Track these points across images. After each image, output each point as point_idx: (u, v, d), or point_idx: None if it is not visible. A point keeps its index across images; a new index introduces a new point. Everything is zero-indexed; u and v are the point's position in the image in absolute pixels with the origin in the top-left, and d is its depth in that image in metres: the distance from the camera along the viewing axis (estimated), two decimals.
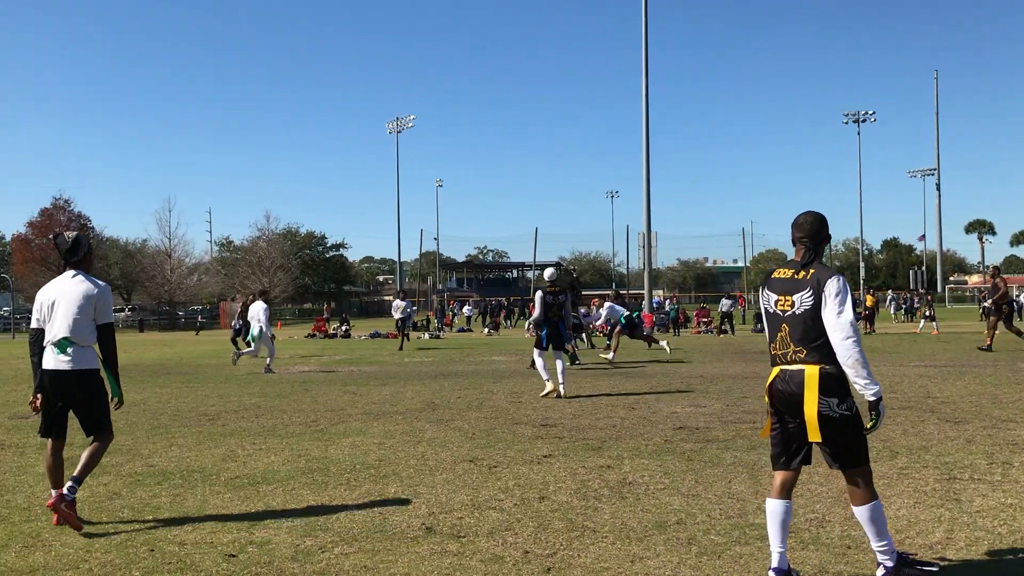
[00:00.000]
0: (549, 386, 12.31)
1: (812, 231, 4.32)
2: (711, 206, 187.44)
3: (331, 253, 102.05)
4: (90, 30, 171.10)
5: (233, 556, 4.77)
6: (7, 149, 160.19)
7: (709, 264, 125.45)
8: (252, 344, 18.80)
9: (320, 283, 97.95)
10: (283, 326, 55.74)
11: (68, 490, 5.40)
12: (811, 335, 4.11)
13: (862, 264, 75.96)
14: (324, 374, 17.20)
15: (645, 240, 45.93)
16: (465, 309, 55.22)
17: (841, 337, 4.01)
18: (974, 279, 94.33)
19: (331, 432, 9.19)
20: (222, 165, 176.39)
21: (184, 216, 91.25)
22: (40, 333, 5.64)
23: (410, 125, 73.64)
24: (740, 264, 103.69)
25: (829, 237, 4.40)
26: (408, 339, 26.33)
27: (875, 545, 4.15)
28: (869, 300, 35.63)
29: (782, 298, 4.25)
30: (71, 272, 5.72)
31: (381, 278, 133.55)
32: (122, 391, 5.73)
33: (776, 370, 4.27)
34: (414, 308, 51.51)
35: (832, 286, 4.08)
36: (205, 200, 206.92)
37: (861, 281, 70.83)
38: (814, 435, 4.12)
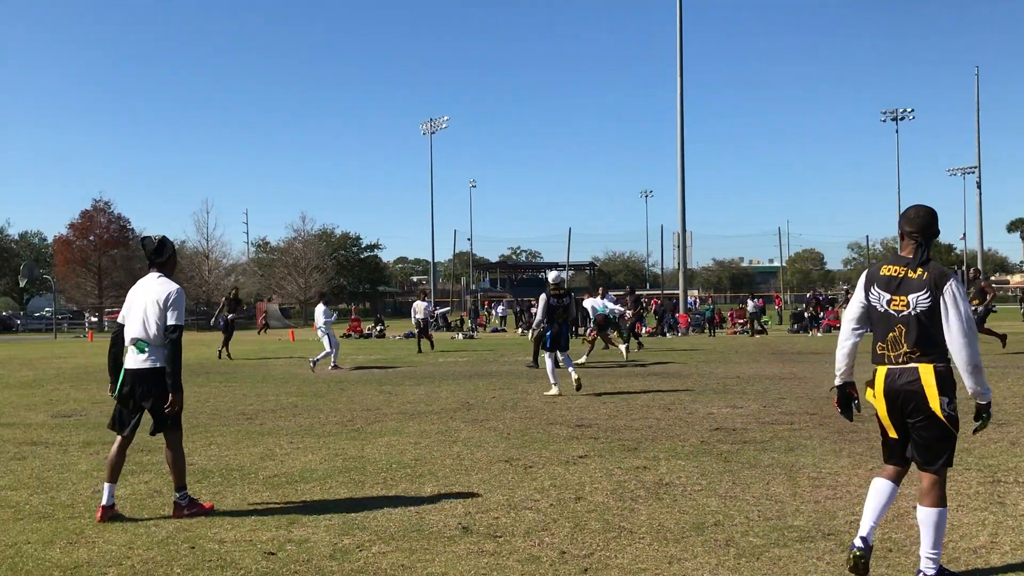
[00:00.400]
0: (555, 389, 12.45)
1: (923, 226, 4.21)
2: (746, 205, 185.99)
3: (366, 254, 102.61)
4: (127, 36, 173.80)
5: (272, 554, 4.81)
6: (49, 153, 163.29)
7: (745, 264, 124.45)
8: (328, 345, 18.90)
9: (355, 284, 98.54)
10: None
11: (180, 497, 5.72)
12: (927, 335, 4.05)
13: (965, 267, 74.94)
14: (359, 374, 17.30)
15: (680, 240, 45.71)
16: (499, 309, 55.29)
17: (964, 342, 3.99)
18: (1016, 279, 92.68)
19: (367, 431, 9.25)
20: (259, 167, 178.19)
21: (221, 218, 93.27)
22: (121, 330, 5.88)
23: (444, 126, 73.80)
24: (776, 264, 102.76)
25: (939, 233, 4.29)
26: (428, 339, 25.32)
27: (927, 551, 4.09)
28: None
29: (896, 297, 4.15)
30: (155, 273, 5.90)
31: (415, 278, 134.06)
32: (181, 393, 5.76)
33: (883, 369, 4.20)
34: (447, 309, 51.67)
35: (953, 288, 4.02)
36: (242, 202, 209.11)
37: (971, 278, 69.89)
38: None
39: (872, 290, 4.27)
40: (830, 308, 36.51)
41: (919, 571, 4.11)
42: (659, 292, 69.32)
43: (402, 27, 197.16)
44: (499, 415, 10.37)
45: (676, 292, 48.26)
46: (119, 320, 5.95)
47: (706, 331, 35.88)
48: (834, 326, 34.37)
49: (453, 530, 5.26)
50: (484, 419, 10.04)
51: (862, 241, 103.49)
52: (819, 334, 32.81)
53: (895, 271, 4.20)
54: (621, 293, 28.44)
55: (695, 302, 51.73)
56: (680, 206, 43.41)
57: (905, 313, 4.10)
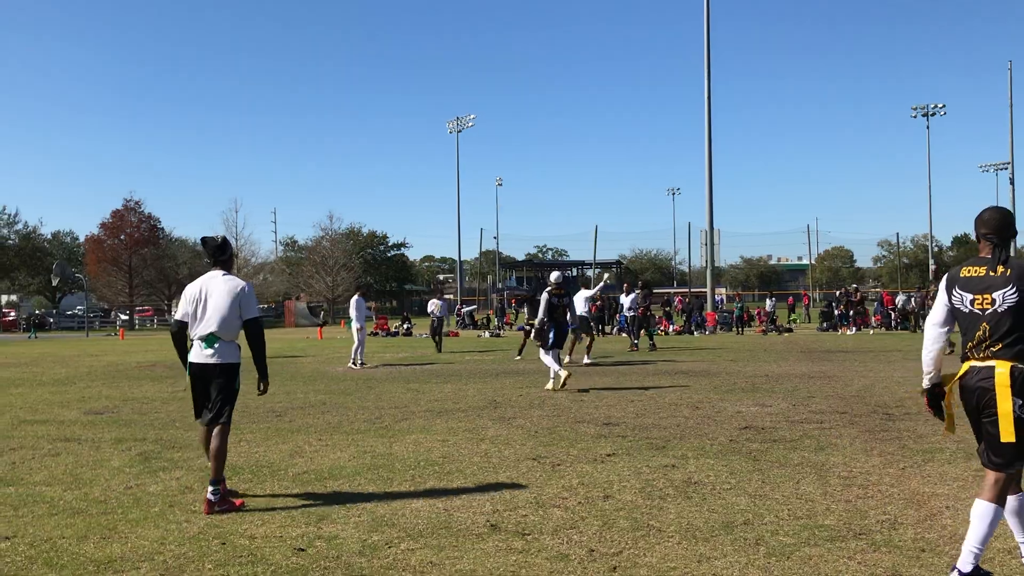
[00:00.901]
0: (551, 384, 13.00)
1: (998, 227, 4.25)
2: (775, 203, 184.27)
3: (392, 252, 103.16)
4: (157, 39, 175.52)
5: (302, 550, 4.84)
6: (80, 154, 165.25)
7: (773, 262, 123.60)
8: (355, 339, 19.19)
9: (382, 282, 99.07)
10: (346, 324, 56.34)
11: (212, 493, 5.80)
12: (1013, 330, 4.08)
13: (931, 261, 73.93)
14: (386, 372, 17.37)
15: (707, 237, 45.41)
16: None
17: None
18: None
19: (395, 429, 9.28)
20: (287, 167, 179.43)
21: (250, 217, 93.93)
22: (182, 326, 6.12)
23: (470, 124, 73.83)
24: (805, 261, 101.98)
25: (1016, 233, 4.36)
26: (439, 339, 25.24)
27: (971, 545, 4.07)
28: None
29: (979, 296, 4.19)
30: (220, 272, 6.16)
31: (441, 277, 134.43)
32: (268, 379, 6.25)
33: (965, 366, 4.25)
34: (474, 307, 51.58)
35: None
36: (270, 201, 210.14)
37: (931, 279, 69.00)
38: (1008, 435, 4.07)
39: (954, 292, 4.33)
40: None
41: (954, 568, 4.07)
42: (686, 290, 68.91)
43: (429, 26, 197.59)
44: (526, 413, 10.37)
45: (704, 290, 47.99)
46: (179, 318, 6.16)
47: (734, 329, 35.64)
48: (864, 324, 34.03)
49: (481, 527, 5.27)
50: (511, 417, 10.05)
51: (892, 239, 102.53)
52: (850, 332, 32.35)
53: (976, 271, 4.25)
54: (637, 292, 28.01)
55: (722, 300, 51.44)
56: (708, 203, 43.15)
57: (991, 311, 4.14)
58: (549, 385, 13.03)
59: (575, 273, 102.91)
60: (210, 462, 5.93)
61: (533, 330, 15.44)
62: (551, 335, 13.34)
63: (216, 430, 5.98)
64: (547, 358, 13.24)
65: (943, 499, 5.75)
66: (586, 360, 18.44)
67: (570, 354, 18.90)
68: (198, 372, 6.04)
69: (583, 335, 18.99)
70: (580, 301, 18.85)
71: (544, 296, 13.72)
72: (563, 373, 12.77)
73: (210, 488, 5.82)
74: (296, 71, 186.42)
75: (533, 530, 5.20)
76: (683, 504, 5.76)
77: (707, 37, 41.43)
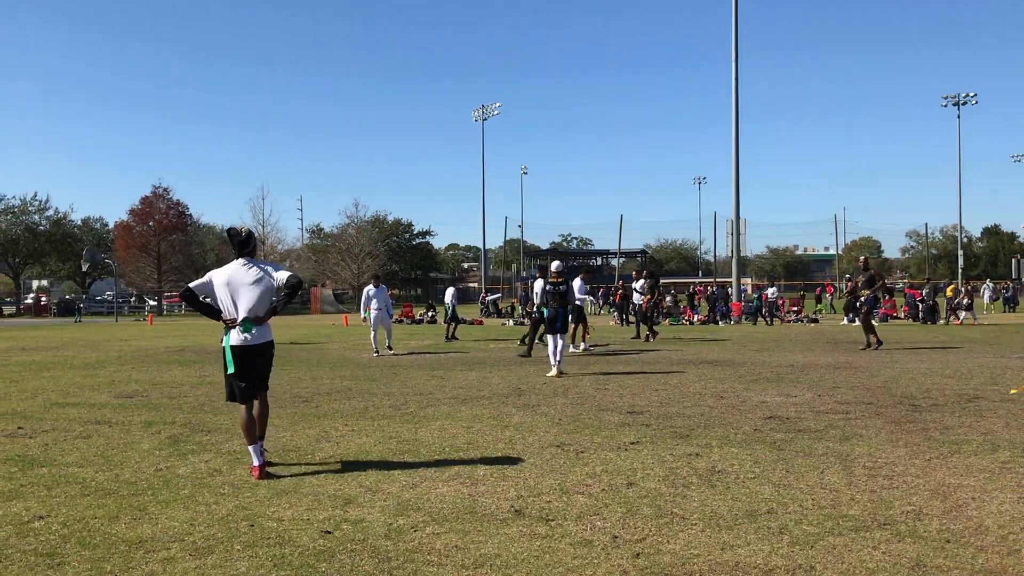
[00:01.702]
0: (554, 371, 13.36)
1: None
2: (802, 192, 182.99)
3: (417, 240, 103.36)
4: (184, 30, 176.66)
5: (329, 533, 4.91)
6: (110, 141, 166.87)
7: (799, 252, 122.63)
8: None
9: (407, 270, 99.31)
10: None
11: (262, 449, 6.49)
12: None
13: (960, 252, 73.09)
14: (411, 359, 17.46)
15: (733, 227, 45.08)
16: None
17: None
18: None
19: (420, 415, 9.35)
20: (313, 154, 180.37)
21: (277, 204, 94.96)
22: (191, 290, 6.71)
23: (495, 113, 73.78)
24: (832, 252, 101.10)
25: None
26: (450, 329, 24.86)
27: None
28: (949, 291, 34.65)
29: None
30: (245, 261, 6.57)
31: (466, 265, 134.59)
32: (268, 316, 6.53)
33: None
34: (498, 296, 51.52)
35: None
36: (297, 188, 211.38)
37: (959, 270, 68.21)
38: None
39: None
40: (888, 296, 35.67)
41: None
42: (711, 280, 68.63)
43: (455, 14, 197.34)
44: (550, 401, 10.40)
45: (729, 280, 47.71)
46: (191, 285, 6.72)
47: (761, 319, 35.38)
48: (890, 315, 33.67)
49: (506, 513, 5.31)
50: (535, 404, 10.08)
51: (921, 229, 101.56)
52: (874, 323, 31.62)
53: None
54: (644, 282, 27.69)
55: (745, 291, 51.09)
56: (734, 192, 42.85)
57: None
58: (554, 372, 13.36)
59: (600, 262, 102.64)
60: (257, 424, 6.48)
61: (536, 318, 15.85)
62: (545, 320, 13.82)
63: (261, 399, 6.57)
64: (550, 345, 13.69)
65: (969, 491, 5.72)
66: (571, 348, 18.54)
67: (584, 341, 18.99)
68: (239, 354, 6.44)
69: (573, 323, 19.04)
70: (576, 288, 18.79)
71: (539, 283, 14.01)
72: (554, 371, 13.35)
73: (260, 442, 6.46)
74: (323, 59, 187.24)
75: (557, 516, 5.23)
76: (707, 492, 5.77)
77: (735, 25, 41.05)
